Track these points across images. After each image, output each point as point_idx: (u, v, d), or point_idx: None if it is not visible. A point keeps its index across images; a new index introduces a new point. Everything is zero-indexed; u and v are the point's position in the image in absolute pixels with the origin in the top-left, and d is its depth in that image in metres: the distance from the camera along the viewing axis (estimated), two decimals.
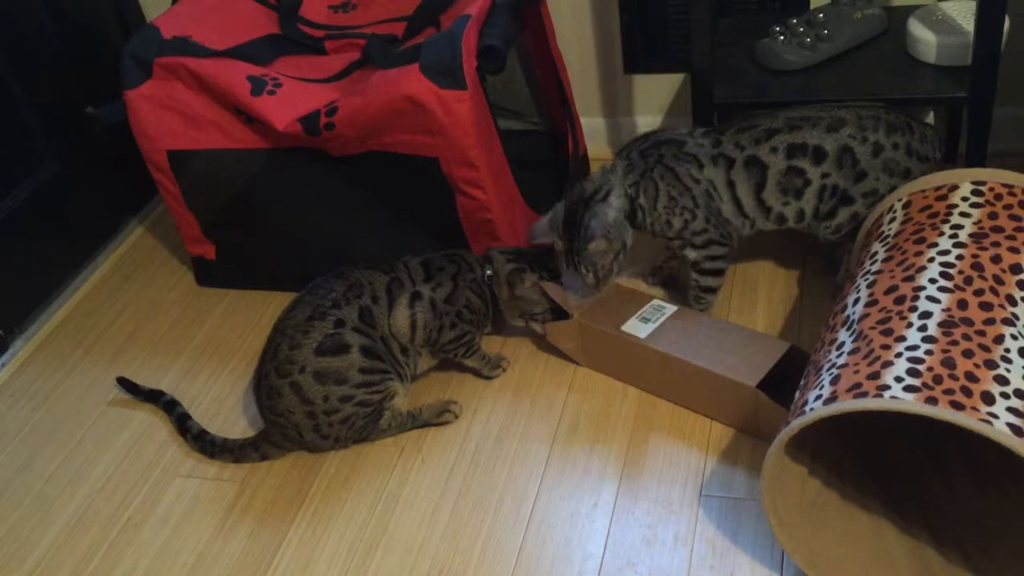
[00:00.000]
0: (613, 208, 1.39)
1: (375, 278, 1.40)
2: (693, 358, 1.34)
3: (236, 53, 1.58)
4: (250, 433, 1.45)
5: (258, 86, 1.52)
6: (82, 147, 1.86)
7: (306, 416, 1.33)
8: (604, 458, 1.33)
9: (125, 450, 1.47)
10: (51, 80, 1.81)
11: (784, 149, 1.38)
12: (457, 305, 1.43)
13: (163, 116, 1.58)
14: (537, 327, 1.51)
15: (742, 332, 1.38)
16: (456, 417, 1.43)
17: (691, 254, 1.44)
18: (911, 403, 0.94)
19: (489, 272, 1.47)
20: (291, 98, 1.52)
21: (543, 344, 1.53)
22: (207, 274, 1.79)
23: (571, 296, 1.46)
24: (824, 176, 1.38)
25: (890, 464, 1.22)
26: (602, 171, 1.43)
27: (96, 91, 1.68)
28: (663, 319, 1.41)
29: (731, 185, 1.40)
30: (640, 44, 1.83)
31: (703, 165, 1.40)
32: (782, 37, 1.56)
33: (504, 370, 1.49)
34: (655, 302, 1.46)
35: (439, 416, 1.42)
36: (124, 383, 1.54)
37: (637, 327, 1.40)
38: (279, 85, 1.53)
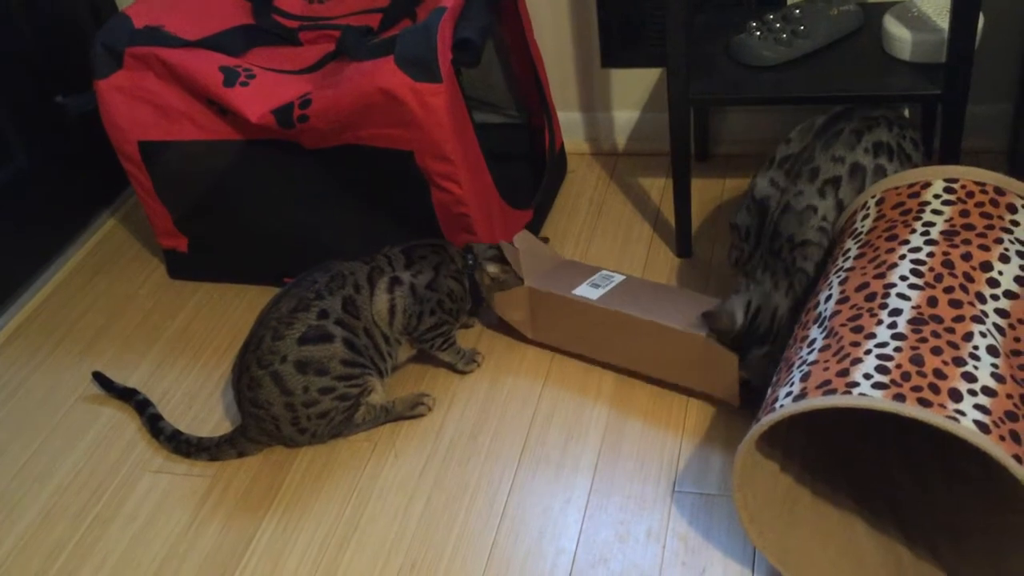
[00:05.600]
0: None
1: (356, 268, 1.40)
2: (644, 314, 1.35)
3: (209, 43, 1.56)
4: (223, 427, 1.44)
5: (231, 77, 1.50)
6: (52, 137, 1.83)
7: (285, 408, 1.32)
8: (578, 453, 1.33)
9: (94, 445, 1.45)
10: (21, 69, 1.78)
11: (872, 148, 1.34)
12: (439, 293, 1.42)
13: (134, 107, 1.56)
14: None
15: (690, 293, 1.42)
16: (429, 410, 1.42)
17: None
18: (879, 400, 0.94)
19: (471, 260, 1.47)
20: (264, 90, 1.51)
21: (518, 338, 1.52)
22: (179, 267, 1.77)
23: (524, 259, 1.46)
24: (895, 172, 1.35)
25: (862, 460, 1.22)
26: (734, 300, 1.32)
27: (67, 80, 1.66)
28: (612, 285, 1.44)
29: (840, 206, 1.32)
30: (617, 38, 1.83)
31: (817, 208, 1.32)
32: (758, 33, 1.56)
33: (479, 364, 1.49)
34: (603, 271, 1.48)
35: (412, 409, 1.41)
36: (99, 379, 1.52)
37: (588, 291, 1.42)
38: (252, 76, 1.51)
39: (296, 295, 1.36)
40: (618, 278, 1.46)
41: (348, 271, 1.39)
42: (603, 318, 1.39)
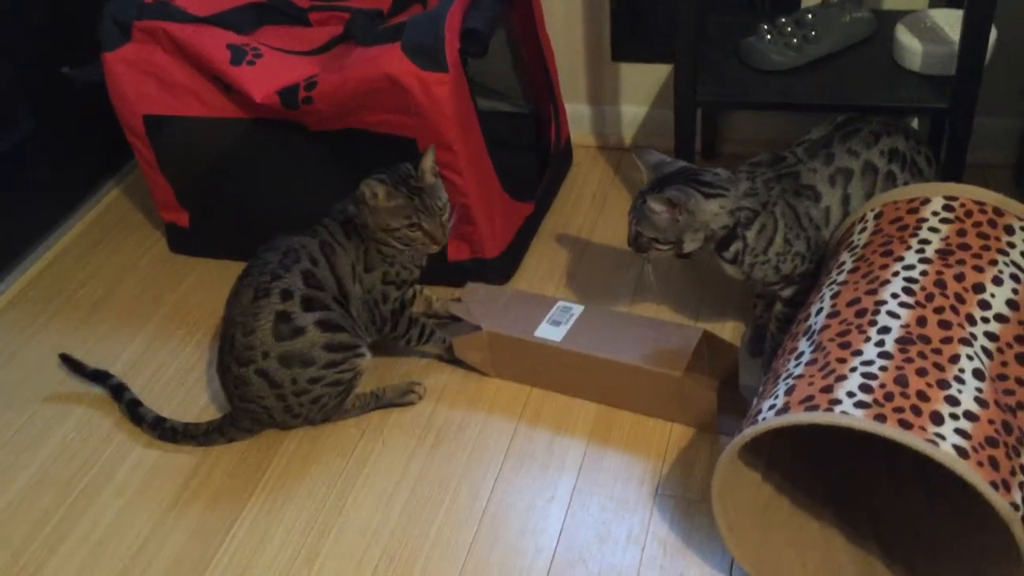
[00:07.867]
0: (708, 207, 1.27)
1: (305, 242, 1.35)
2: (614, 354, 1.34)
3: (218, 20, 1.56)
4: (217, 402, 1.45)
5: (238, 55, 1.50)
6: (59, 107, 1.83)
7: (276, 399, 1.33)
8: (563, 452, 1.33)
9: (86, 416, 1.46)
10: (29, 40, 1.78)
11: (887, 152, 1.33)
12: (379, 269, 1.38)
13: (141, 80, 1.56)
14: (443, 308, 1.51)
15: (652, 323, 1.40)
16: (420, 399, 1.43)
17: (787, 292, 1.35)
18: (859, 420, 0.94)
19: (351, 208, 1.38)
20: (271, 69, 1.51)
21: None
22: (179, 241, 1.77)
23: (474, 308, 1.44)
24: (906, 183, 1.34)
25: (843, 473, 1.22)
26: (728, 176, 1.31)
27: (75, 52, 1.66)
28: (573, 320, 1.41)
29: (846, 201, 1.32)
30: (629, 31, 1.82)
31: (820, 195, 1.31)
32: (769, 36, 1.55)
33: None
34: (561, 303, 1.44)
35: (403, 397, 1.42)
36: (67, 361, 1.50)
37: (550, 331, 1.39)
38: (259, 55, 1.51)
39: (252, 284, 1.32)
40: (577, 310, 1.42)
41: (299, 245, 1.34)
42: (571, 360, 1.36)
